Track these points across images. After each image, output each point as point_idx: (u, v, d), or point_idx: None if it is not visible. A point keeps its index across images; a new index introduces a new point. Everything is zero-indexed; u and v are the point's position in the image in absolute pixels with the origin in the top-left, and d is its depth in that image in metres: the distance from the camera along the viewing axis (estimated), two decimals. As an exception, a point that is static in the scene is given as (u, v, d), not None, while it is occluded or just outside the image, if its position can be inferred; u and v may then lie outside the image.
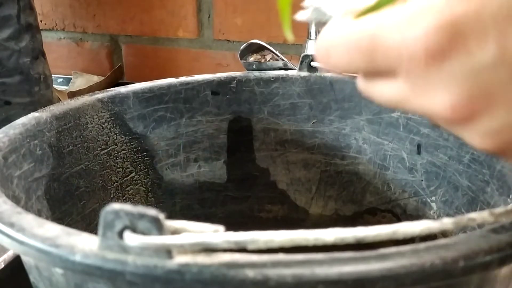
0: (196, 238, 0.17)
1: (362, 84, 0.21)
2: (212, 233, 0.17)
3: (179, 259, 0.17)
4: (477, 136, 0.19)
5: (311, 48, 0.60)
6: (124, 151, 0.39)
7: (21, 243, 0.20)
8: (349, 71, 0.20)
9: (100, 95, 0.38)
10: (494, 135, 0.18)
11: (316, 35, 0.59)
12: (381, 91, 0.20)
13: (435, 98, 0.18)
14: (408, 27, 0.18)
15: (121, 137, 0.38)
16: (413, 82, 0.18)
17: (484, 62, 0.17)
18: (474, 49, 0.17)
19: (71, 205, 0.34)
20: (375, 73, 0.20)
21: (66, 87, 0.80)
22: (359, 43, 0.19)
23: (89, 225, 0.35)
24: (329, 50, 0.20)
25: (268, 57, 0.44)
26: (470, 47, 0.17)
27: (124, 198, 0.38)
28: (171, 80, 0.41)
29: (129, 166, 0.39)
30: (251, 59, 0.44)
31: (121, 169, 0.38)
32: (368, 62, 0.19)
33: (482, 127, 0.18)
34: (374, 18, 0.19)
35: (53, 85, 0.64)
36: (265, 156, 0.44)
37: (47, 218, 0.31)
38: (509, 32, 0.17)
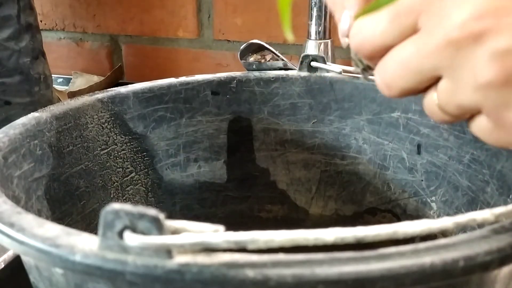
0: (196, 238, 0.17)
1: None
2: (212, 233, 0.17)
3: (179, 259, 0.17)
4: (484, 61, 0.19)
5: (311, 48, 0.60)
6: (124, 151, 0.39)
7: (21, 243, 0.20)
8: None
9: (100, 95, 0.38)
10: (501, 57, 0.19)
11: (316, 35, 0.59)
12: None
13: (448, 21, 0.19)
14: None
15: (121, 137, 0.38)
16: (432, 17, 0.20)
17: None
18: None
19: (71, 205, 0.34)
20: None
21: (66, 87, 0.80)
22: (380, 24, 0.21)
23: (89, 225, 0.35)
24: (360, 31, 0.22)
25: (268, 57, 0.44)
26: None
27: (124, 198, 0.38)
28: (171, 80, 0.41)
29: (129, 166, 0.39)
30: (251, 59, 0.44)
31: (121, 169, 0.38)
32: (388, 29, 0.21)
33: (488, 49, 0.19)
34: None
35: (53, 85, 0.64)
36: (265, 156, 0.44)
37: (47, 218, 0.31)
38: None
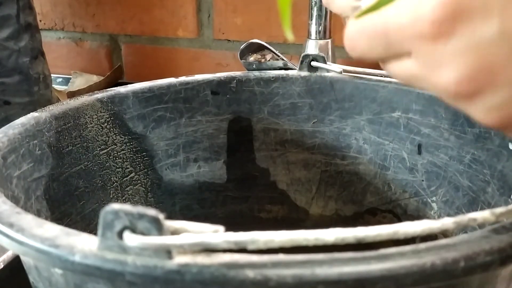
0: (196, 238, 0.17)
1: (383, 65, 0.23)
2: (212, 233, 0.17)
3: (179, 259, 0.17)
4: (481, 111, 0.19)
5: (311, 47, 0.60)
6: (124, 151, 0.39)
7: (21, 243, 0.20)
8: (373, 57, 0.22)
9: (99, 95, 0.38)
10: (498, 110, 0.19)
11: (316, 34, 0.59)
12: (398, 70, 0.21)
13: (442, 74, 0.19)
14: (415, 7, 0.19)
15: (121, 137, 0.38)
16: (422, 59, 0.19)
17: (487, 37, 0.18)
18: (478, 24, 0.18)
19: (71, 205, 0.34)
20: (393, 56, 0.21)
21: (65, 87, 0.80)
22: (374, 29, 0.21)
23: (89, 225, 0.35)
24: (353, 40, 0.22)
25: (268, 56, 0.44)
26: (475, 22, 0.18)
27: (123, 198, 0.38)
28: (171, 80, 0.41)
29: (128, 166, 0.39)
30: (251, 58, 0.44)
31: (120, 169, 0.38)
32: (384, 46, 0.21)
33: (486, 102, 0.19)
34: (387, 7, 0.20)
35: (53, 85, 0.64)
36: (265, 156, 0.44)
37: (46, 218, 0.31)
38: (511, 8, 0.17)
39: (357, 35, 0.22)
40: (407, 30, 0.19)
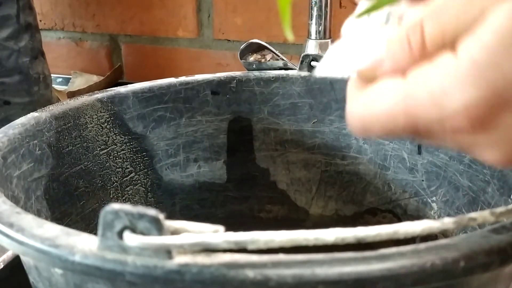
0: (196, 238, 0.17)
1: (406, 137, 0.21)
2: (212, 233, 0.17)
3: (179, 259, 0.17)
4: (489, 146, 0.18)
5: (311, 47, 0.60)
6: (124, 151, 0.39)
7: (21, 243, 0.20)
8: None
9: (99, 95, 0.38)
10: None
11: (316, 34, 0.59)
12: (432, 143, 0.20)
13: (487, 153, 0.18)
14: (443, 100, 0.17)
15: (121, 137, 0.38)
16: (462, 144, 0.18)
17: None
18: None
19: (71, 205, 0.34)
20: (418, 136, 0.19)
21: (65, 87, 0.80)
22: (394, 121, 0.18)
23: (89, 225, 0.35)
24: (365, 125, 0.19)
25: (268, 56, 0.44)
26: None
27: (123, 198, 0.38)
28: (171, 80, 0.41)
29: (128, 166, 0.39)
30: (251, 58, 0.44)
31: (120, 169, 0.38)
32: (409, 132, 0.18)
33: (494, 136, 0.18)
34: (398, 86, 0.18)
35: (53, 85, 0.64)
36: (265, 156, 0.44)
37: (46, 218, 0.31)
38: None
39: (370, 121, 0.19)
40: (438, 124, 0.17)
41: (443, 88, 0.17)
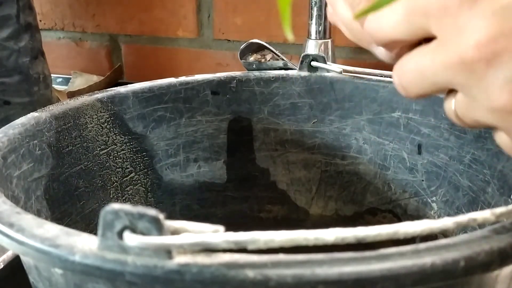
0: (196, 238, 0.17)
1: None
2: (212, 233, 0.17)
3: (179, 259, 0.17)
4: (496, 87, 0.19)
5: (311, 47, 0.60)
6: (124, 151, 0.39)
7: (21, 243, 0.19)
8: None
9: (99, 95, 0.38)
10: None
11: (316, 34, 0.59)
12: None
13: (463, 39, 0.19)
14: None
15: (121, 137, 0.38)
16: (446, 29, 0.19)
17: None
18: None
19: (71, 205, 0.34)
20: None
21: (65, 87, 0.80)
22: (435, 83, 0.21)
23: (89, 225, 0.35)
24: (403, 83, 0.22)
25: (268, 56, 0.44)
26: None
27: (123, 198, 0.38)
28: (171, 80, 0.41)
29: (128, 166, 0.39)
30: (251, 58, 0.44)
31: (120, 169, 0.38)
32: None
33: (502, 73, 0.18)
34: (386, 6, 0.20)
35: (53, 85, 0.64)
36: (265, 156, 0.44)
37: (46, 218, 0.31)
38: None
39: (410, 82, 0.22)
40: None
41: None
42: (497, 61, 0.18)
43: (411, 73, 0.22)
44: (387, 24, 0.21)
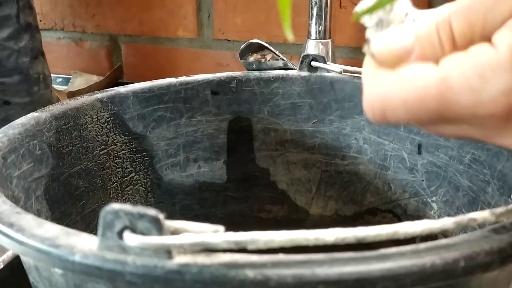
0: (196, 238, 0.17)
1: (420, 126, 0.20)
2: (212, 233, 0.17)
3: (179, 259, 0.17)
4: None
5: (311, 47, 0.60)
6: (124, 151, 0.39)
7: (21, 243, 0.20)
8: (406, 122, 0.19)
9: (99, 95, 0.38)
10: None
11: (316, 34, 0.59)
12: (444, 131, 0.20)
13: (508, 142, 0.18)
14: (480, 87, 0.17)
15: (121, 137, 0.38)
16: (488, 133, 0.18)
17: None
18: None
19: (71, 205, 0.34)
20: (440, 123, 0.19)
21: (65, 87, 0.80)
22: (425, 105, 0.18)
23: (89, 225, 0.35)
24: (386, 106, 0.19)
25: (268, 56, 0.44)
26: None
27: (123, 198, 0.38)
28: (171, 80, 0.41)
29: (128, 166, 0.39)
30: (251, 58, 0.44)
31: (120, 169, 0.38)
32: (435, 119, 0.18)
33: None
34: (432, 72, 0.18)
35: (53, 85, 0.64)
36: (265, 156, 0.44)
37: (46, 218, 0.31)
38: None
39: (395, 104, 0.18)
40: (472, 110, 0.17)
41: (482, 75, 0.17)
42: None
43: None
44: (400, 116, 0.19)
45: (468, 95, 0.17)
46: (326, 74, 0.42)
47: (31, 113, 0.33)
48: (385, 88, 0.19)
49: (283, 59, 0.44)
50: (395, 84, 0.19)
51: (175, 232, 0.18)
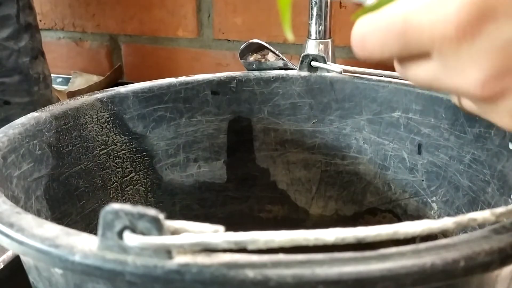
0: (196, 238, 0.17)
1: (399, 68, 0.22)
2: (212, 233, 0.17)
3: (179, 259, 0.17)
4: (505, 115, 0.19)
5: (311, 47, 0.60)
6: (124, 151, 0.39)
7: (21, 243, 0.20)
8: (384, 56, 0.21)
9: (99, 95, 0.38)
10: None
11: (316, 34, 0.59)
12: (415, 72, 0.21)
13: (466, 75, 0.19)
14: (438, 6, 0.18)
15: (121, 137, 0.38)
16: (445, 61, 0.19)
17: None
18: (504, 23, 0.17)
19: (71, 205, 0.34)
20: (409, 56, 0.20)
21: (65, 87, 0.80)
22: (391, 27, 0.20)
23: (89, 225, 0.35)
24: (364, 37, 0.21)
25: (268, 56, 0.44)
26: (500, 22, 0.17)
27: (123, 198, 0.38)
28: (171, 80, 0.41)
29: (128, 166, 0.39)
30: (251, 58, 0.44)
31: (120, 169, 0.38)
32: (401, 45, 0.20)
33: (510, 105, 0.18)
34: (404, 2, 0.19)
35: (53, 85, 0.64)
36: (265, 156, 0.44)
37: (46, 218, 0.31)
38: None
39: (369, 32, 0.21)
40: (428, 30, 0.19)
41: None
42: (504, 97, 0.18)
43: (408, 73, 0.21)
44: (374, 45, 0.21)
45: (427, 14, 0.18)
46: (326, 74, 0.42)
47: (31, 113, 0.33)
48: (364, 22, 0.21)
49: (283, 59, 0.44)
50: (371, 17, 0.21)
51: (175, 232, 0.18)
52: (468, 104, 0.22)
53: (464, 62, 0.18)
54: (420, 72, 0.20)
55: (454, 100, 0.23)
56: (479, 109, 0.20)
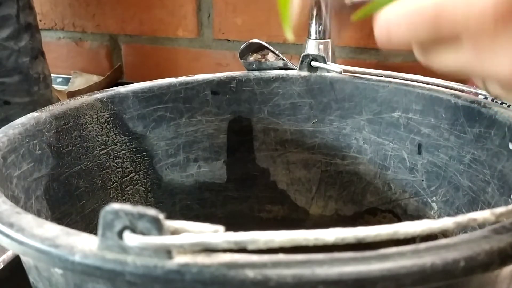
0: (196, 238, 0.17)
1: (421, 55, 0.21)
2: (212, 233, 0.17)
3: (179, 259, 0.17)
4: None
5: (311, 47, 0.60)
6: (124, 151, 0.39)
7: (21, 243, 0.19)
8: (409, 42, 0.21)
9: (99, 95, 0.38)
10: None
11: (316, 34, 0.59)
12: (443, 58, 0.20)
13: (500, 60, 0.18)
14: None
15: (121, 137, 0.38)
16: (480, 47, 0.19)
17: None
18: None
19: (71, 205, 0.34)
20: (438, 41, 0.20)
21: (65, 87, 0.80)
22: (422, 11, 0.19)
23: (89, 225, 0.35)
24: (390, 24, 0.20)
25: (268, 56, 0.44)
26: None
27: (123, 198, 0.38)
28: (171, 80, 0.41)
29: (128, 166, 0.39)
30: (251, 58, 0.44)
31: (120, 169, 0.38)
32: (431, 30, 0.19)
33: None
34: (387, 6, 0.19)
35: (53, 85, 0.64)
36: (265, 156, 0.44)
37: (46, 218, 0.31)
38: None
39: (396, 19, 0.20)
40: (463, 13, 0.18)
41: None
42: None
43: (433, 59, 0.21)
44: (402, 31, 0.20)
45: (461, 5, 0.18)
46: (326, 74, 0.42)
47: (31, 113, 0.33)
48: (389, 9, 0.21)
49: (283, 59, 0.44)
50: (397, 5, 0.20)
51: (175, 232, 0.18)
52: (495, 89, 0.22)
53: (499, 46, 0.18)
54: (448, 57, 0.20)
55: (479, 83, 0.22)
56: (508, 95, 0.20)
